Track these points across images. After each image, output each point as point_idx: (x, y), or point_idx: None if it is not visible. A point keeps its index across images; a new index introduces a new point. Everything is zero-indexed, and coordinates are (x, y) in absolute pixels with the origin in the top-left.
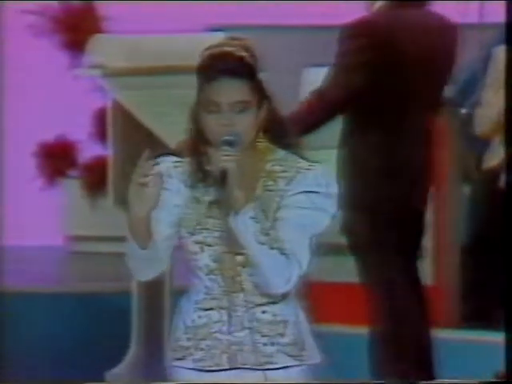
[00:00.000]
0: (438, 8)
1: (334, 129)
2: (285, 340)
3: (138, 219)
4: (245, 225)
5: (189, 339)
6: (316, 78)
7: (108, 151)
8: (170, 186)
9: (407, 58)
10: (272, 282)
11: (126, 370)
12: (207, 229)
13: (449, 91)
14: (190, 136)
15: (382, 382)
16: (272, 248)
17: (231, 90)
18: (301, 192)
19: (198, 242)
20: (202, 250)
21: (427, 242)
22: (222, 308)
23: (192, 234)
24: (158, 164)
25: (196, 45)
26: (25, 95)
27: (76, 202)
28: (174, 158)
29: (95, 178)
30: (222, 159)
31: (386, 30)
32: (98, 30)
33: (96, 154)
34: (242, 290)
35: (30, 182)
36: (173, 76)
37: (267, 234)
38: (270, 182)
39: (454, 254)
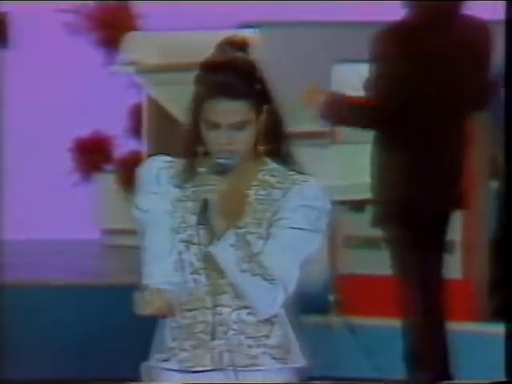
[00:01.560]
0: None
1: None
2: (270, 342)
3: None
4: (225, 252)
5: (174, 339)
6: (346, 73)
7: (142, 146)
8: (159, 190)
9: (436, 61)
10: (255, 306)
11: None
12: (192, 226)
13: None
14: (186, 135)
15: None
16: (254, 275)
17: (229, 111)
18: (297, 206)
19: (183, 241)
20: (188, 248)
21: (457, 236)
22: (206, 308)
23: (177, 232)
24: (148, 163)
25: None
26: (61, 92)
27: (111, 196)
28: (166, 158)
29: (130, 173)
30: (205, 189)
31: (413, 34)
32: (133, 28)
33: (131, 149)
34: (226, 291)
35: (67, 177)
36: None
37: (249, 261)
38: (262, 192)
39: (483, 249)
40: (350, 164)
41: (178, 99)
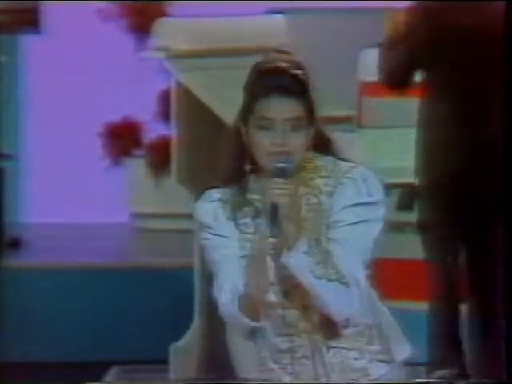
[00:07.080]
0: None
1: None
2: (374, 347)
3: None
4: (299, 261)
5: (275, 362)
6: (373, 58)
7: (172, 131)
8: (220, 232)
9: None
10: (335, 311)
11: (190, 343)
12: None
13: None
14: (231, 161)
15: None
16: (330, 280)
17: (285, 107)
18: (344, 208)
19: None
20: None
21: None
22: (302, 332)
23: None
24: (203, 203)
25: (257, 27)
26: (92, 78)
27: (141, 180)
28: (218, 195)
29: (159, 157)
30: (274, 193)
31: (432, 15)
32: (163, 14)
33: (160, 134)
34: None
35: (97, 162)
36: (235, 58)
37: (324, 267)
38: (314, 200)
39: None
40: (376, 148)
41: (206, 84)
